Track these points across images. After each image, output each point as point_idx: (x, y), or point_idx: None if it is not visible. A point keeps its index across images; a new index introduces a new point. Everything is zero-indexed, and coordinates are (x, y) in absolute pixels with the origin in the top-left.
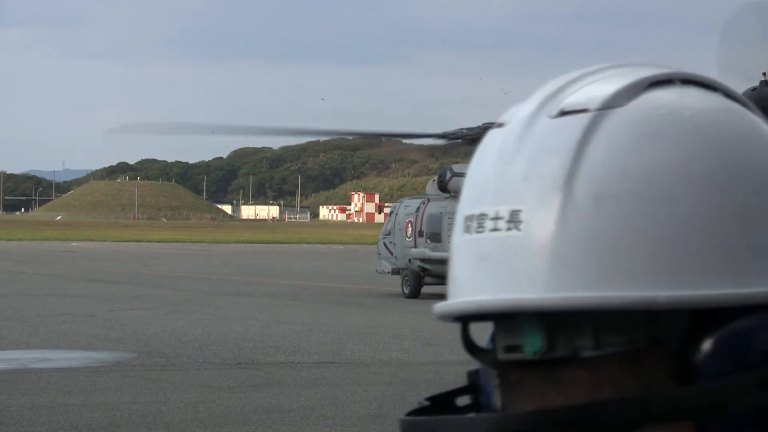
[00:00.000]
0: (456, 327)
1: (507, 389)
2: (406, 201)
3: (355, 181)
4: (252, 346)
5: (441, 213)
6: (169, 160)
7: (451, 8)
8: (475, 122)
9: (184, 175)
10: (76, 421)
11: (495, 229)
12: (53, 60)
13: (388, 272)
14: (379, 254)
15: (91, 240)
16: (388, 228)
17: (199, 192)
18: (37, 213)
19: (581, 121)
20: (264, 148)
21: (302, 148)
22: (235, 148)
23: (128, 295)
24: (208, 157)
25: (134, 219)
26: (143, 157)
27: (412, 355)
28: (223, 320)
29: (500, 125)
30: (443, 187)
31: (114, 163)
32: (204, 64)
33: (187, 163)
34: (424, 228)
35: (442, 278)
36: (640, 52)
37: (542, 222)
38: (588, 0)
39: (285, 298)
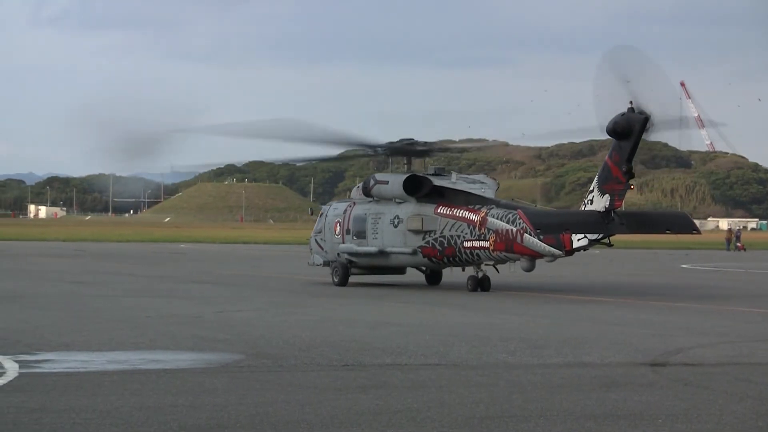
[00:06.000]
0: (565, 328)
1: None
2: (335, 204)
3: None
4: (358, 348)
5: (365, 214)
6: (277, 162)
7: (546, 8)
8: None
9: (291, 177)
10: (183, 421)
11: None
12: (155, 62)
13: (320, 264)
14: (311, 249)
15: (198, 241)
16: (319, 227)
17: (305, 194)
18: (145, 215)
19: None
20: None
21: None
22: (342, 150)
23: (235, 297)
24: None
25: (242, 221)
26: (251, 160)
27: (519, 357)
28: (329, 322)
29: None
30: (367, 192)
31: (222, 165)
32: (303, 65)
33: (294, 165)
34: (350, 227)
35: (365, 269)
36: (738, 53)
37: None
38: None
39: (391, 299)
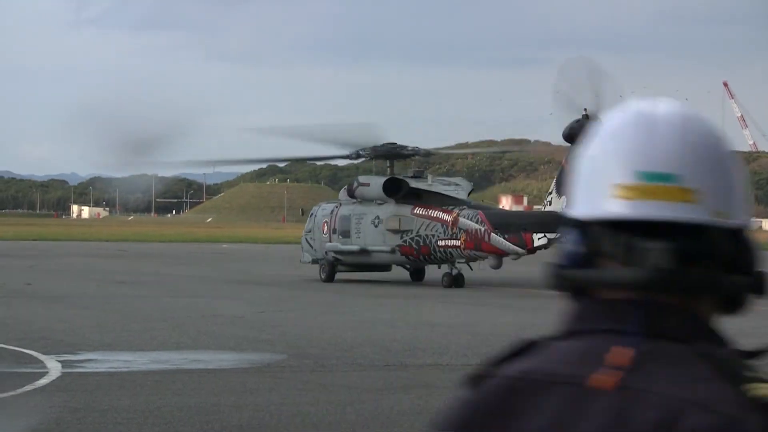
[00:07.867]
0: None
1: None
2: (323, 205)
3: (503, 183)
4: (400, 348)
5: (350, 215)
6: (318, 163)
7: (582, 8)
8: None
9: (333, 177)
10: (226, 421)
11: None
12: (199, 63)
13: (309, 262)
14: (302, 248)
15: (240, 241)
16: (309, 227)
17: None
18: (187, 215)
19: None
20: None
21: (450, 150)
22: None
23: (277, 297)
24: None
25: (284, 221)
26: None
27: None
28: (371, 322)
29: None
30: (351, 194)
31: (264, 166)
32: (341, 66)
33: (336, 165)
34: (336, 226)
35: (350, 266)
36: None
37: None
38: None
39: (431, 299)
